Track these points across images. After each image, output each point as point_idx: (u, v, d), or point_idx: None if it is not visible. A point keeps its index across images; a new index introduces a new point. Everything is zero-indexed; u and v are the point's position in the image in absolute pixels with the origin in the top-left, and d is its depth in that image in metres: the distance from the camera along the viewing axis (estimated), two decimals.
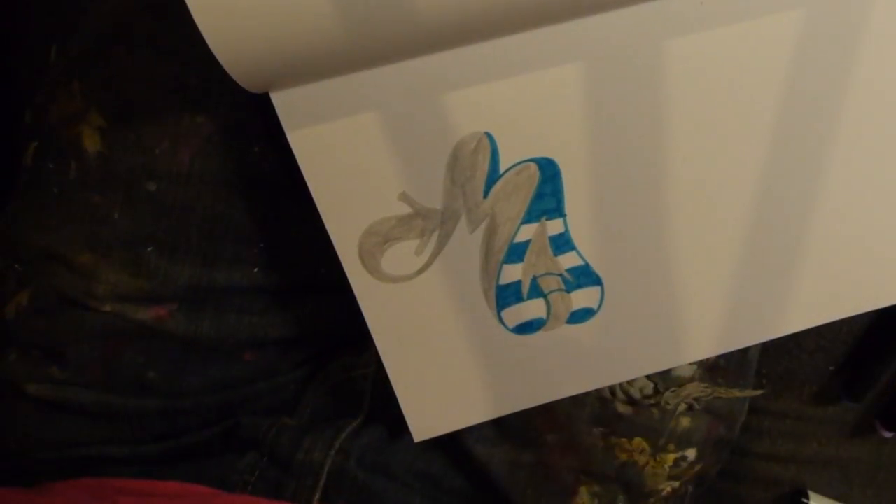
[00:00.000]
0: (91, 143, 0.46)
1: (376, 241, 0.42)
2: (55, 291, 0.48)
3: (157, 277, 0.48)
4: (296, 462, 0.51)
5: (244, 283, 0.49)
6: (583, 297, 0.46)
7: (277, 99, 0.37)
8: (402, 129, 0.39)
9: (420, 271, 0.43)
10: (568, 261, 0.45)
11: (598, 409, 0.53)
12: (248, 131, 0.46)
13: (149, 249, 0.47)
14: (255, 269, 0.49)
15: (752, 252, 0.46)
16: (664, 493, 0.53)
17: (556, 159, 0.42)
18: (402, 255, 0.43)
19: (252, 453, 0.51)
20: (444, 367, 0.47)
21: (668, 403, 0.50)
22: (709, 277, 0.46)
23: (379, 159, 0.40)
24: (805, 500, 0.57)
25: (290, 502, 0.49)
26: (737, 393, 0.52)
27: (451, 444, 0.50)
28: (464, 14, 0.35)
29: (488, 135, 0.40)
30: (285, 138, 0.40)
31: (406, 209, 0.42)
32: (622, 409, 0.53)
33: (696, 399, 0.51)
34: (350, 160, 0.40)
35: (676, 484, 0.53)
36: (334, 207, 0.41)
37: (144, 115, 0.46)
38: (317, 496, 0.50)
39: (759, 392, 0.55)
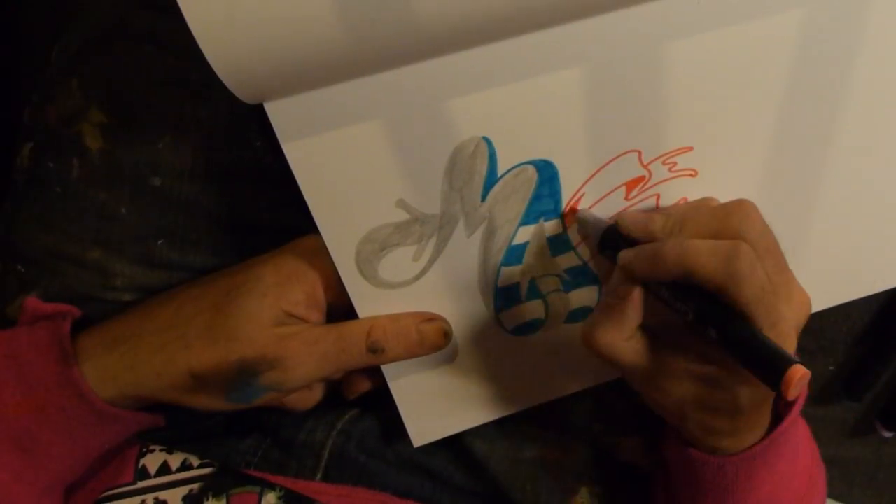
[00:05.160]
0: (93, 140, 0.46)
1: (373, 248, 0.42)
2: (66, 289, 0.48)
3: (171, 269, 0.48)
4: (297, 443, 0.51)
5: None
6: (581, 297, 0.46)
7: (272, 109, 0.37)
8: (399, 136, 0.39)
9: (418, 277, 0.43)
10: (566, 261, 0.45)
11: (598, 407, 0.53)
12: (249, 125, 0.46)
13: (159, 243, 0.48)
14: None
15: None
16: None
17: (554, 161, 0.42)
18: (399, 262, 0.43)
19: (255, 435, 0.52)
20: (442, 372, 0.47)
21: None
22: None
23: (376, 167, 0.40)
24: None
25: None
26: None
27: (452, 440, 0.50)
28: (460, 19, 0.35)
29: (486, 139, 0.40)
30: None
31: (403, 215, 0.41)
32: (621, 406, 0.53)
33: None
34: (347, 169, 0.40)
35: None
36: (331, 217, 0.41)
37: (146, 110, 0.46)
38: (318, 476, 0.50)
39: None
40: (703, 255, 0.36)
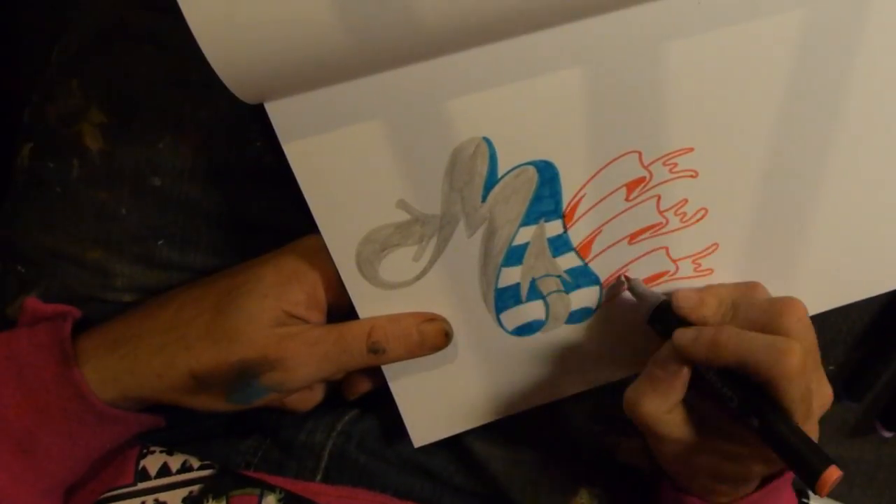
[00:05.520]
0: (92, 140, 0.46)
1: (374, 248, 0.42)
2: (66, 289, 0.48)
3: (170, 269, 0.48)
4: (297, 443, 0.51)
5: None
6: (582, 297, 0.46)
7: (272, 109, 0.37)
8: (400, 136, 0.39)
9: (418, 277, 0.43)
10: (566, 262, 0.45)
11: (598, 408, 0.53)
12: (250, 125, 0.46)
13: (159, 243, 0.48)
14: None
15: (748, 246, 0.46)
16: None
17: (555, 161, 0.42)
18: (400, 262, 0.43)
19: (255, 436, 0.52)
20: (443, 372, 0.47)
21: None
22: (705, 272, 0.47)
23: (376, 168, 0.40)
24: (805, 501, 0.57)
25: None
26: None
27: (452, 440, 0.50)
28: (460, 20, 0.35)
29: (486, 140, 0.40)
30: None
31: (404, 216, 0.41)
32: (621, 406, 0.53)
33: None
34: (347, 169, 0.40)
35: None
36: (331, 217, 0.41)
37: (146, 110, 0.46)
38: (318, 477, 0.50)
39: None
40: (759, 349, 0.38)
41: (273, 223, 0.48)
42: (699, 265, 0.47)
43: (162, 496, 0.45)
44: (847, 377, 0.56)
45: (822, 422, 0.56)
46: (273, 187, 0.47)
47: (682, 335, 0.41)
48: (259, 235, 0.47)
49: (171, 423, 0.48)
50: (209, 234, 0.48)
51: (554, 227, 0.44)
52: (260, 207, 0.48)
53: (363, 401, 0.50)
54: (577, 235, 0.44)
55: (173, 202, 0.47)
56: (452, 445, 0.52)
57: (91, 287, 0.48)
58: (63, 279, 0.48)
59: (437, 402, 0.48)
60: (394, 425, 0.49)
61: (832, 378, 0.56)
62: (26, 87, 0.50)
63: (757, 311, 0.42)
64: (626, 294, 0.46)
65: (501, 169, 0.41)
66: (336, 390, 0.49)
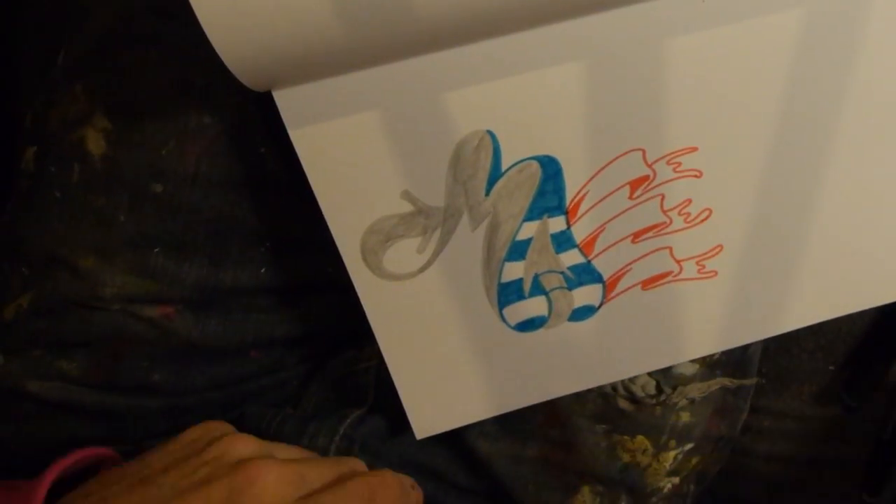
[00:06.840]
0: (95, 145, 0.46)
1: (378, 239, 0.42)
2: (59, 295, 0.48)
3: (164, 279, 0.48)
4: None
5: (251, 284, 0.49)
6: (584, 295, 0.47)
7: (280, 97, 0.38)
8: (404, 127, 0.40)
9: (422, 269, 0.44)
10: (569, 258, 0.45)
11: (601, 407, 0.53)
12: (254, 132, 0.46)
13: (155, 251, 0.47)
14: (262, 270, 0.49)
15: (753, 249, 0.46)
16: (665, 490, 0.53)
17: (558, 157, 0.42)
18: (404, 253, 0.43)
19: None
20: (446, 365, 0.47)
21: (670, 402, 0.51)
22: (709, 274, 0.47)
23: (381, 157, 0.40)
24: None
25: None
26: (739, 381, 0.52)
27: (454, 439, 0.50)
28: (465, 13, 0.36)
29: (490, 133, 0.41)
30: (290, 138, 0.40)
31: (408, 207, 0.42)
32: (624, 405, 0.53)
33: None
34: (352, 158, 0.40)
35: (676, 480, 0.53)
36: (336, 206, 0.41)
37: (150, 116, 0.46)
38: None
39: (758, 380, 0.55)
40: None
41: (274, 232, 0.48)
42: (703, 267, 0.47)
43: None
44: (847, 377, 0.56)
45: (822, 421, 0.57)
46: (276, 195, 0.47)
47: None
48: (259, 245, 0.47)
49: (171, 430, 0.48)
50: (207, 243, 0.48)
51: (557, 223, 0.44)
52: (261, 216, 0.48)
53: (365, 401, 0.50)
54: (580, 232, 0.45)
55: (173, 209, 0.47)
56: (455, 444, 0.52)
57: (80, 295, 0.48)
58: (56, 284, 0.48)
59: (440, 395, 0.48)
60: (396, 425, 0.49)
61: (832, 378, 0.56)
62: (29, 91, 0.50)
63: None
64: (628, 293, 0.47)
65: (505, 163, 0.42)
66: (338, 392, 0.49)
